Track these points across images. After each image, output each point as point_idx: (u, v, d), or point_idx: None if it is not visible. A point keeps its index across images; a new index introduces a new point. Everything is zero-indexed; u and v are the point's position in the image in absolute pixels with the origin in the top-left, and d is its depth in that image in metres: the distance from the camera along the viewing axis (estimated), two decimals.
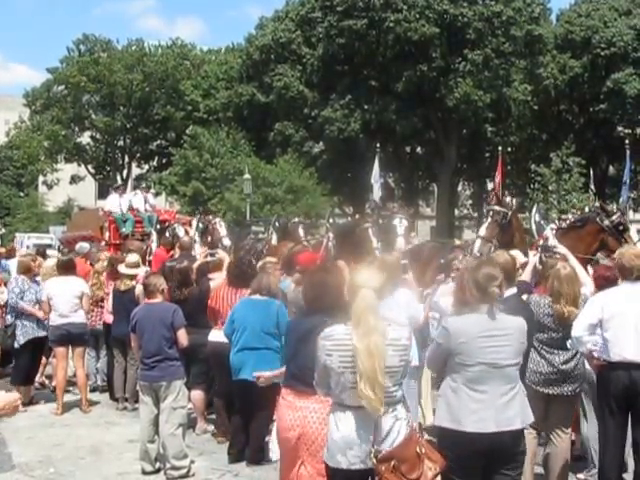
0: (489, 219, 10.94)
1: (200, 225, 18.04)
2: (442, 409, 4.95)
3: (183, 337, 7.92)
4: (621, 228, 10.60)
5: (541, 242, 10.41)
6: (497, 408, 4.83)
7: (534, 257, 8.07)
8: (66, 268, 10.99)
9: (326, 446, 4.57)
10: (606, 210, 11.10)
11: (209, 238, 16.71)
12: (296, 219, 16.99)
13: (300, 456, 5.35)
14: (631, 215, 43.11)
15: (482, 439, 4.76)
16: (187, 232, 17.42)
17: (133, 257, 11.40)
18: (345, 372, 4.38)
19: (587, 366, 6.93)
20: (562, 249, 8.03)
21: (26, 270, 11.33)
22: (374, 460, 4.28)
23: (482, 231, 10.90)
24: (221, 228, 16.91)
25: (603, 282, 7.35)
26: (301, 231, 15.88)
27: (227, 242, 16.14)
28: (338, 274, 5.61)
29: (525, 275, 7.16)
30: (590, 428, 7.31)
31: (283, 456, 5.68)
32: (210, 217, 19.32)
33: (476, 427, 4.77)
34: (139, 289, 10.56)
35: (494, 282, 4.96)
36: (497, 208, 11.04)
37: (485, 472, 4.88)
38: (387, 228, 12.76)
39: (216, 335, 8.61)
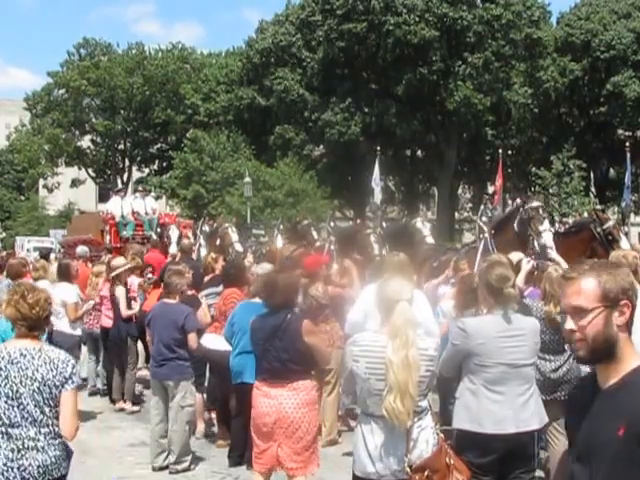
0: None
1: (205, 228, 18.00)
2: (461, 412, 4.95)
3: (193, 341, 8.04)
4: (610, 238, 10.61)
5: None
6: (515, 409, 4.85)
7: (527, 264, 8.09)
8: (59, 273, 10.86)
9: (354, 456, 4.59)
10: (600, 218, 11.13)
11: (217, 241, 16.54)
12: (306, 221, 16.76)
13: (276, 439, 5.82)
14: (632, 218, 43.09)
15: (502, 440, 4.78)
16: (183, 235, 17.43)
17: (119, 260, 11.56)
18: (371, 378, 4.38)
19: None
20: (554, 255, 8.07)
21: (16, 275, 10.65)
22: (408, 470, 4.31)
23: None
24: (233, 234, 16.55)
25: None
26: (314, 233, 15.78)
27: (239, 247, 15.92)
28: (292, 274, 6.28)
29: (518, 280, 7.17)
30: None
31: (257, 441, 5.99)
32: (220, 220, 19.27)
33: (496, 428, 4.79)
34: (120, 291, 10.68)
35: (508, 283, 4.98)
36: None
37: (500, 475, 4.89)
38: (412, 231, 13.03)
39: (209, 340, 8.63)
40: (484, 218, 13.39)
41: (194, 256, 15.24)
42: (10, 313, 4.46)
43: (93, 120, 64.20)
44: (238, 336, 7.68)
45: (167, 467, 8.02)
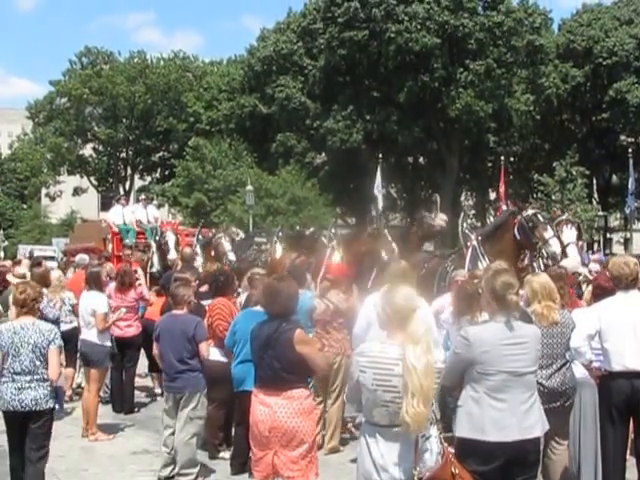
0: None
1: (201, 237, 18.00)
2: (463, 420, 4.93)
3: (204, 350, 7.95)
4: (530, 225, 10.55)
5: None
6: (518, 416, 4.84)
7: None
8: (89, 282, 10.66)
9: (358, 466, 4.59)
10: (519, 207, 11.26)
11: (212, 252, 16.57)
12: (309, 230, 16.66)
13: (272, 447, 5.80)
14: (636, 224, 43.05)
15: (505, 448, 4.77)
16: (181, 240, 17.44)
17: (22, 269, 11.84)
18: (378, 390, 4.37)
19: (585, 375, 6.87)
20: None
21: (40, 282, 10.75)
22: None
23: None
24: (226, 243, 16.66)
25: (600, 292, 7.33)
26: (324, 239, 15.63)
27: (232, 257, 15.94)
28: (290, 282, 6.21)
29: None
30: (584, 444, 7.23)
31: (254, 448, 6.02)
32: (214, 231, 19.28)
33: (499, 436, 4.77)
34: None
35: (511, 290, 4.97)
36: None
37: None
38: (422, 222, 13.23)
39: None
40: (465, 224, 13.38)
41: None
42: (12, 300, 7.06)
43: (95, 128, 64.37)
44: (240, 344, 7.64)
45: (172, 477, 7.95)
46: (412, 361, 4.29)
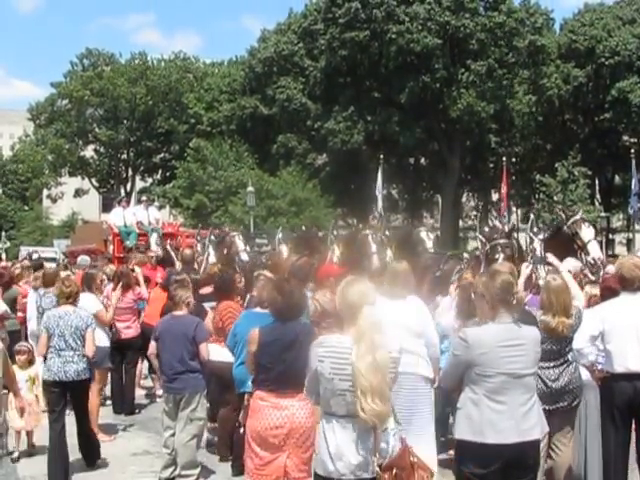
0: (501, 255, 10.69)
1: (213, 237, 17.91)
2: (463, 422, 4.90)
3: (205, 351, 7.91)
4: (575, 232, 10.61)
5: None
6: (517, 418, 4.80)
7: (526, 269, 8.00)
8: (83, 283, 10.60)
9: (315, 454, 4.70)
10: (566, 214, 11.22)
11: (225, 251, 16.44)
12: (320, 233, 16.57)
13: (285, 449, 5.76)
14: (638, 225, 42.94)
15: (504, 450, 4.73)
16: (177, 246, 17.37)
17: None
18: (335, 379, 4.43)
19: (588, 377, 6.80)
20: (555, 261, 7.97)
21: (50, 283, 11.03)
22: (378, 469, 4.44)
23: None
24: (240, 242, 16.49)
25: (608, 293, 7.25)
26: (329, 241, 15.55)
27: (245, 257, 15.78)
28: (299, 284, 6.46)
29: (518, 286, 7.05)
30: (590, 447, 7.16)
31: (262, 452, 5.86)
32: (227, 229, 19.21)
33: (498, 438, 4.74)
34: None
35: (512, 290, 4.99)
36: (502, 242, 10.90)
37: None
38: (415, 240, 12.94)
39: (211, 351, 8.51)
40: (487, 229, 13.16)
41: (203, 266, 15.16)
42: (58, 293, 8.49)
43: (96, 130, 64.40)
44: (241, 345, 7.57)
45: (173, 479, 7.88)
46: (355, 361, 4.35)
